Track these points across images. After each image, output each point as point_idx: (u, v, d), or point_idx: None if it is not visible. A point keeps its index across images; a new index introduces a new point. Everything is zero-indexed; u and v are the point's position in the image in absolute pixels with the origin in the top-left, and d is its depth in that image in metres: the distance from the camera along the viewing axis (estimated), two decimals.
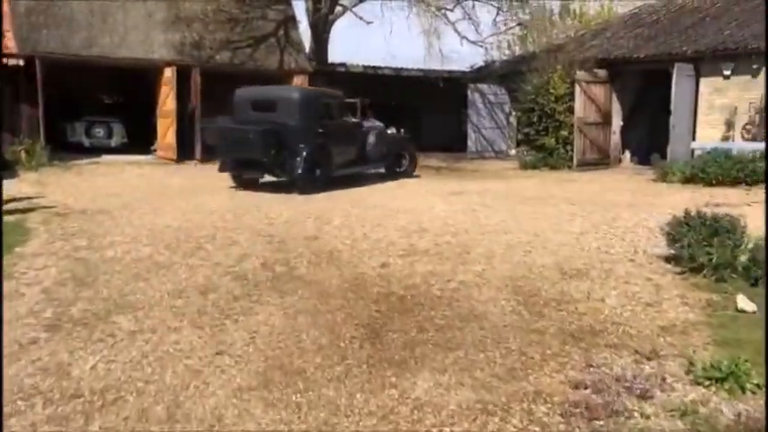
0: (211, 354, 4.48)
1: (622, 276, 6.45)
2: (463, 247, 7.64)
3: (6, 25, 15.65)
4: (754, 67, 14.44)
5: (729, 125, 14.94)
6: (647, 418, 3.64)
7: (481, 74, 21.61)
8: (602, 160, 17.69)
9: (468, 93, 20.98)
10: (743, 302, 5.38)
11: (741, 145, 14.49)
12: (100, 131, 18.81)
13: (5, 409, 3.62)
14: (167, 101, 17.80)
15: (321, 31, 20.90)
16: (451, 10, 19.84)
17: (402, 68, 21.86)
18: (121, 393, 3.89)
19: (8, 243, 7.26)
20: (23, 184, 12.68)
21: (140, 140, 18.47)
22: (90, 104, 19.12)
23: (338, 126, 13.13)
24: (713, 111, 15.25)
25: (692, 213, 6.82)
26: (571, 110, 17.22)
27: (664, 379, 4.10)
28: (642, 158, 18.11)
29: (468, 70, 22.20)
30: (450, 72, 21.72)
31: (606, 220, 9.45)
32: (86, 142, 18.49)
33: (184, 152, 17.80)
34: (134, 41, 17.86)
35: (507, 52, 22.83)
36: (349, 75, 20.76)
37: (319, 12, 20.34)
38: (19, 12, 16.34)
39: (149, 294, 5.73)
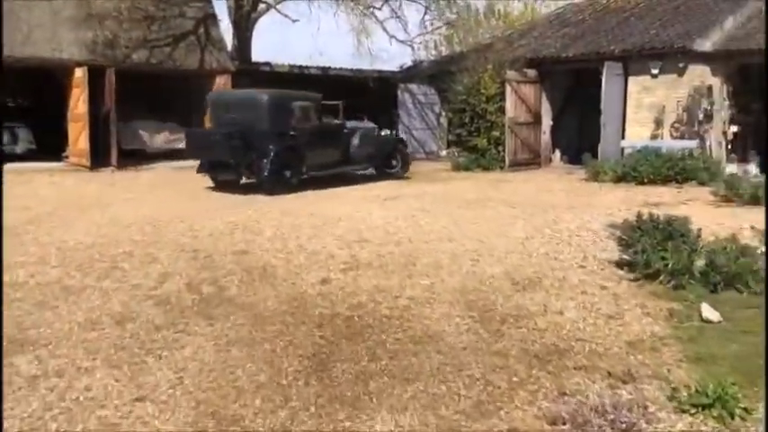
0: (130, 400, 3.82)
1: (577, 285, 6.12)
2: (408, 257, 7.15)
3: None
4: (681, 65, 14.60)
5: (658, 123, 15.07)
6: None
7: (410, 74, 21.27)
8: (533, 160, 17.62)
9: (399, 93, 20.59)
10: (708, 312, 5.11)
11: (670, 143, 14.64)
12: (3, 137, 17.34)
13: None
14: (79, 103, 16.57)
15: (244, 29, 20.07)
16: (379, 8, 19.42)
17: (330, 68, 21.26)
18: None
19: None
20: None
21: (50, 146, 17.14)
22: None
23: (313, 128, 13.24)
24: (642, 109, 15.36)
25: (644, 217, 6.58)
26: (502, 110, 17.05)
27: (646, 407, 3.72)
28: (572, 158, 18.16)
29: (397, 70, 21.82)
30: (379, 72, 21.28)
31: (548, 222, 9.18)
32: None
33: (99, 158, 16.64)
34: (40, 39, 16.56)
35: (434, 52, 22.62)
36: (274, 74, 20.00)
37: (241, 9, 19.51)
38: None
39: (56, 327, 4.97)
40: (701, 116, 14.51)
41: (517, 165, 17.04)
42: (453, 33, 22.08)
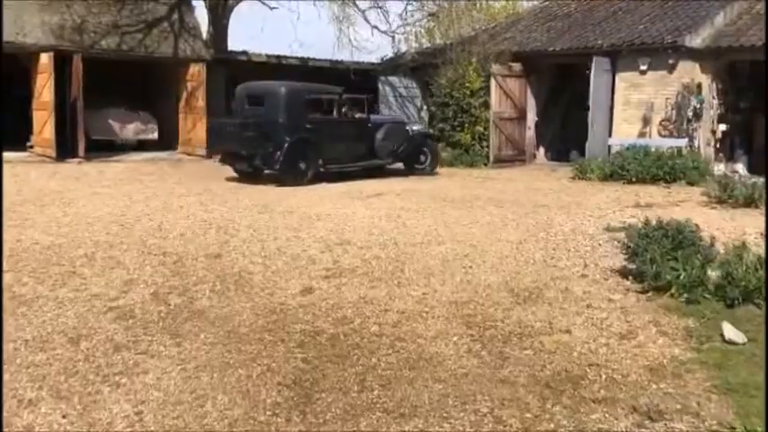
0: None
1: (581, 298, 5.63)
2: (395, 262, 6.61)
3: None
4: (670, 62, 14.22)
5: (646, 121, 14.70)
6: None
7: (391, 65, 20.66)
8: (517, 156, 17.17)
9: (380, 85, 19.98)
10: (730, 332, 4.64)
11: (658, 141, 14.28)
12: None
13: None
14: (44, 91, 15.70)
15: (220, 16, 19.31)
16: None
17: (309, 58, 20.58)
18: None
19: None
20: None
21: (14, 136, 16.26)
22: None
23: (333, 121, 13.40)
24: (630, 106, 14.97)
25: (652, 222, 6.11)
26: (487, 105, 16.56)
27: None
28: (555, 154, 17.78)
29: (378, 62, 21.20)
30: (358, 63, 20.66)
31: (541, 224, 8.70)
32: None
33: (66, 148, 15.84)
34: (3, 22, 15.63)
35: (415, 45, 22.03)
36: (251, 64, 19.29)
37: None
38: None
39: None
40: (690, 114, 14.16)
41: (501, 161, 16.59)
42: (435, 26, 21.52)
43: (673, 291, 5.49)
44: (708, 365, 4.23)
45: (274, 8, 19.04)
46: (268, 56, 19.90)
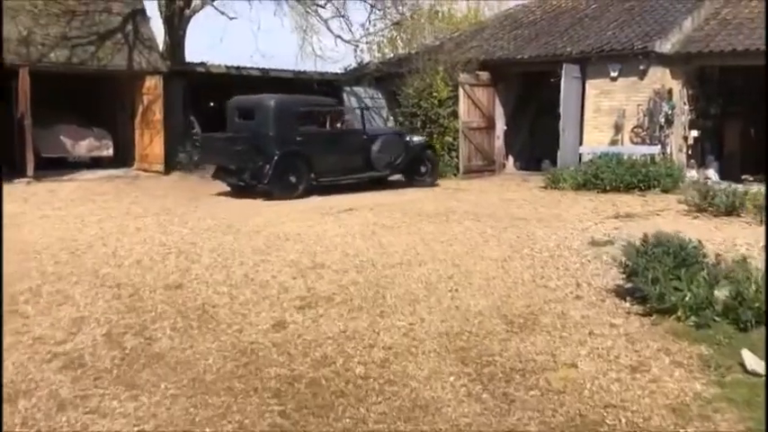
0: None
1: (580, 323, 5.17)
2: (375, 287, 6.07)
3: None
4: (641, 68, 14.01)
5: (618, 128, 14.46)
6: None
7: (356, 75, 20.18)
8: (487, 167, 16.80)
9: (345, 96, 19.46)
10: (752, 361, 4.22)
11: (631, 148, 14.04)
12: None
13: None
14: None
15: (177, 26, 18.53)
16: (323, 6, 18.26)
17: (270, 69, 19.95)
18: None
19: None
20: None
21: None
22: None
23: (325, 133, 13.27)
24: (600, 113, 14.71)
25: (650, 239, 5.70)
26: (455, 114, 16.18)
27: None
28: (524, 163, 17.49)
29: (342, 72, 20.70)
30: (322, 74, 20.12)
31: (523, 240, 8.25)
32: None
33: (14, 168, 14.93)
34: None
35: (378, 55, 21.63)
36: (209, 75, 18.59)
37: (174, 5, 18.00)
38: None
39: None
40: (662, 120, 13.96)
41: (471, 171, 16.19)
42: (397, 35, 21.15)
43: (679, 313, 5.07)
44: (736, 403, 3.79)
45: (233, 18, 18.38)
46: (227, 67, 19.21)
